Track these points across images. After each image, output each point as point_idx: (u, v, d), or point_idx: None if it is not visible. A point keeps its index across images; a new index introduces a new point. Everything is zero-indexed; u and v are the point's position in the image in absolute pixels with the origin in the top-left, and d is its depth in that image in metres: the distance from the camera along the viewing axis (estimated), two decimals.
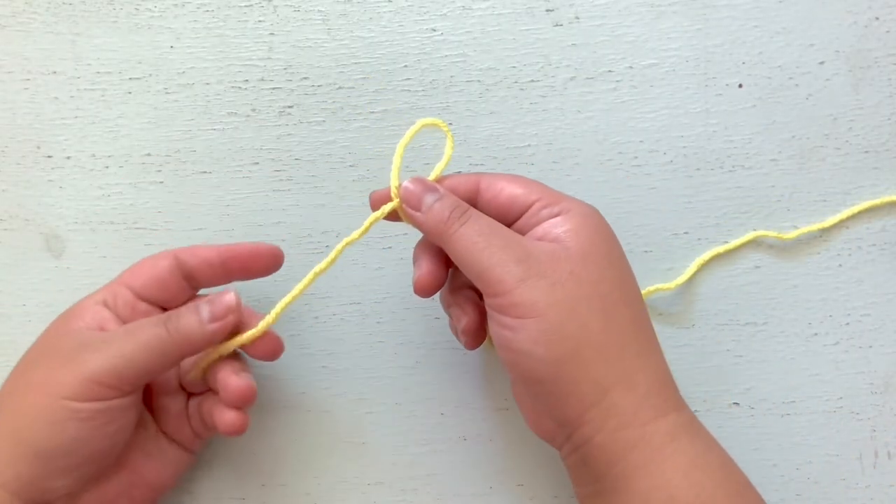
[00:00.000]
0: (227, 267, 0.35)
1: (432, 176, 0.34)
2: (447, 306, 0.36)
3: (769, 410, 0.40)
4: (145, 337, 0.32)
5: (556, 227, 0.32)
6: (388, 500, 0.40)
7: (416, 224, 0.33)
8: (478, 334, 0.34)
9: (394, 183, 0.34)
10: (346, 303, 0.40)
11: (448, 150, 0.35)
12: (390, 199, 0.34)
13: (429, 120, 0.35)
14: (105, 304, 0.34)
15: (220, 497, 0.40)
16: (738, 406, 0.40)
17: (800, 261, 0.40)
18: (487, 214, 0.33)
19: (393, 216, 0.34)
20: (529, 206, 0.33)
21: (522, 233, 0.33)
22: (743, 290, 0.40)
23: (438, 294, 0.36)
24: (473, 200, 0.34)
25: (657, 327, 0.40)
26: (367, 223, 0.34)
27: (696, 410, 0.39)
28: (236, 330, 0.34)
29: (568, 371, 0.30)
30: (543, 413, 0.33)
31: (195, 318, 0.33)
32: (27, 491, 0.31)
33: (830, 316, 0.40)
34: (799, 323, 0.40)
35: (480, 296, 0.34)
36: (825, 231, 0.40)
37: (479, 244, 0.31)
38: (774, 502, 0.40)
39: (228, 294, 0.34)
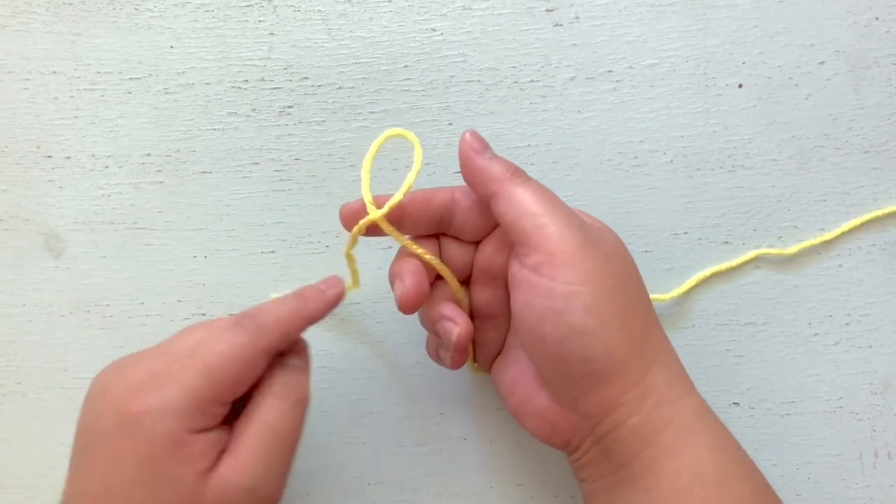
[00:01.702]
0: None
1: (404, 188, 0.32)
2: (431, 323, 0.34)
3: (769, 410, 0.40)
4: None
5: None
6: (388, 500, 0.40)
7: (477, 168, 0.32)
8: (468, 345, 0.33)
9: (367, 198, 0.32)
10: (346, 303, 0.40)
11: (417, 161, 0.33)
12: (364, 213, 0.33)
13: (395, 131, 0.33)
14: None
15: None
16: (738, 406, 0.40)
17: (800, 261, 0.40)
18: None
19: (370, 231, 0.33)
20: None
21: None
22: (743, 289, 0.40)
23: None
24: (449, 211, 0.34)
25: None
26: (350, 240, 0.34)
27: None
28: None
29: (618, 347, 0.30)
30: (569, 405, 0.31)
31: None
32: None
33: (830, 316, 0.40)
34: (799, 323, 0.40)
35: (469, 313, 0.35)
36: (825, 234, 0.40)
37: (541, 200, 0.31)
38: None
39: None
